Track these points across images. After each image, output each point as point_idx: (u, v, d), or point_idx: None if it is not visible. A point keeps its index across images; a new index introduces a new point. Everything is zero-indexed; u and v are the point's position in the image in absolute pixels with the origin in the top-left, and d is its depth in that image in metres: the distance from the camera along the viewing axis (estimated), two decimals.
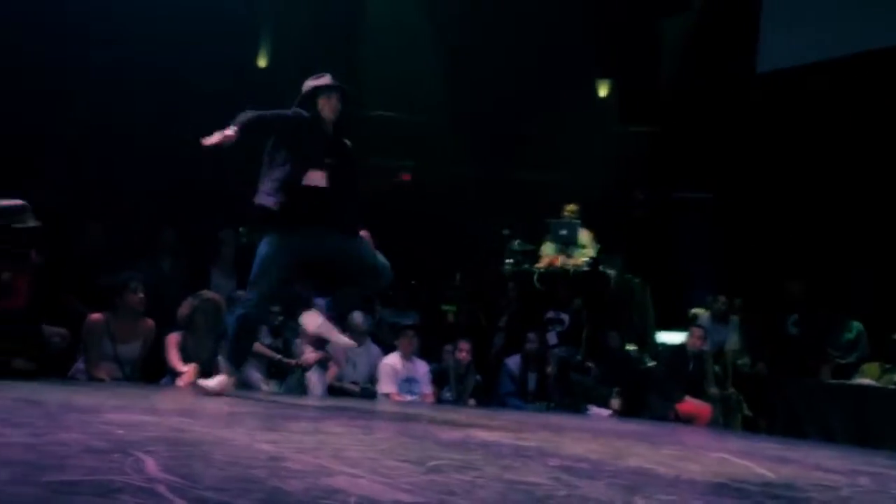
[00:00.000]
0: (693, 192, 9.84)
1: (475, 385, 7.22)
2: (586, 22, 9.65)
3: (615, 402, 6.99)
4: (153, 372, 5.75)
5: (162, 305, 5.97)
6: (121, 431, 2.24)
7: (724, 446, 4.35)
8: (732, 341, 7.88)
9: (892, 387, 6.49)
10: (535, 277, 7.97)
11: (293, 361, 5.98)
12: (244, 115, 4.11)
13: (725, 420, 7.11)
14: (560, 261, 7.93)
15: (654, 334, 8.34)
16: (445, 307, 9.18)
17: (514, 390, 7.20)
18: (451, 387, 7.06)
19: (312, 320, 4.43)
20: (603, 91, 10.56)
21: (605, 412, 6.94)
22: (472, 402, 7.04)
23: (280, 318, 6.05)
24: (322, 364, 6.13)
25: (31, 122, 7.60)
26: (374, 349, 6.94)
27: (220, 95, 7.66)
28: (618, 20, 9.79)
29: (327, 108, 4.32)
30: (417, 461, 2.24)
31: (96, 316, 5.47)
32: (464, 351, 7.03)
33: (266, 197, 4.22)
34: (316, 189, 4.23)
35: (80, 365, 5.51)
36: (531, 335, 7.32)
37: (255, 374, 5.84)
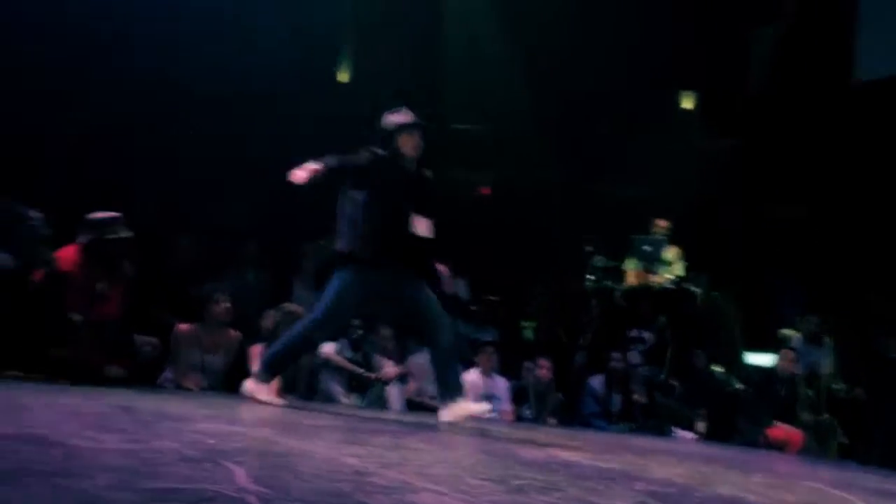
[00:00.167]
0: (783, 206, 9.53)
1: (556, 403, 7.15)
2: (670, 32, 9.50)
3: (701, 426, 6.83)
4: (237, 382, 5.89)
5: (246, 317, 6.14)
6: (211, 441, 2.30)
7: (818, 476, 4.17)
8: (826, 364, 7.58)
9: None
10: (618, 294, 7.86)
11: (373, 375, 6.05)
12: (327, 160, 4.16)
13: (819, 447, 6.83)
14: (644, 278, 7.81)
15: (742, 355, 8.11)
16: (525, 323, 9.14)
17: (598, 411, 7.10)
18: (530, 404, 7.02)
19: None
20: (687, 103, 10.35)
21: (690, 435, 6.79)
22: (552, 420, 6.98)
23: (360, 331, 6.13)
24: (402, 379, 6.18)
25: (121, 140, 7.92)
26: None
27: (300, 109, 7.85)
28: (703, 30, 9.61)
29: (409, 145, 4.31)
30: (499, 480, 2.23)
31: (184, 326, 5.67)
32: (544, 368, 6.98)
33: (345, 241, 4.25)
34: (396, 230, 4.24)
35: (168, 374, 5.71)
36: (615, 354, 7.22)
37: (337, 388, 5.93)
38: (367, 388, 6.07)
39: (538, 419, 6.90)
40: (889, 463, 6.03)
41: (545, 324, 8.94)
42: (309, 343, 4.49)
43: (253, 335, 5.97)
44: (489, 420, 6.21)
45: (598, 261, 8.17)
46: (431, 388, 6.73)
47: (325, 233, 8.98)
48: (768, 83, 9.60)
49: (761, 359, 7.97)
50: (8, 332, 4.39)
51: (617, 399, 7.16)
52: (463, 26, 9.76)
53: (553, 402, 7.11)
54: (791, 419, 6.82)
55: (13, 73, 6.99)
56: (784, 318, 8.40)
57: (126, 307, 5.14)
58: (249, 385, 4.46)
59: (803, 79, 9.21)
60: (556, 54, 9.59)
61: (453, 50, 9.74)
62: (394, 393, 6.07)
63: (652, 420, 7.09)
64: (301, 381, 6.00)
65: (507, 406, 6.77)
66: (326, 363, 5.97)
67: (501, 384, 6.83)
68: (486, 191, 10.72)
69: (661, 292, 7.74)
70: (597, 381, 7.23)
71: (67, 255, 4.79)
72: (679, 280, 7.75)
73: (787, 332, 8.03)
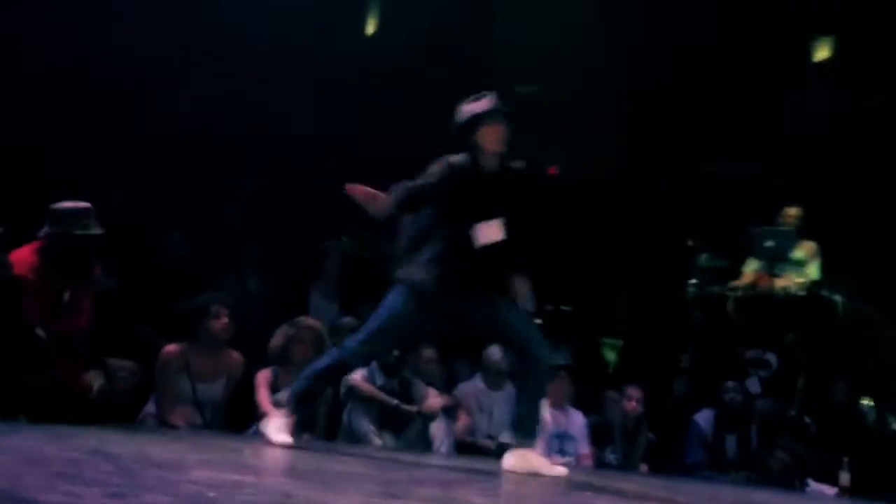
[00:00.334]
0: None
1: (647, 445, 7.11)
2: None
3: (844, 477, 6.72)
4: (239, 417, 5.97)
5: (248, 334, 6.20)
6: (212, 494, 2.30)
7: None
8: None
9: None
10: (732, 303, 7.78)
11: (414, 409, 6.06)
12: (397, 192, 4.37)
13: None
14: (766, 281, 7.72)
15: None
16: (607, 342, 9.10)
17: (706, 458, 7.03)
18: (615, 447, 6.99)
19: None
20: (822, 52, 10.15)
21: (829, 490, 6.71)
22: (643, 467, 6.94)
23: (395, 353, 6.14)
24: (449, 413, 6.18)
25: (109, 118, 8.09)
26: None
27: (323, 65, 7.93)
28: None
29: (491, 138, 4.40)
30: None
31: (172, 347, 5.73)
32: (633, 400, 6.95)
33: (412, 270, 4.43)
34: (466, 253, 4.38)
35: (150, 408, 5.79)
36: (730, 384, 7.14)
37: (366, 424, 5.95)
38: (404, 425, 6.08)
39: (626, 466, 6.86)
40: None
41: (633, 342, 8.89)
42: (348, 370, 4.72)
43: (258, 358, 6.02)
44: (562, 467, 6.19)
45: (704, 260, 8.11)
46: (487, 425, 6.75)
47: (349, 228, 9.16)
48: None
49: None
50: None
51: (731, 441, 7.08)
52: None
53: (644, 444, 7.06)
54: None
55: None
56: None
57: (96, 322, 5.21)
58: (271, 422, 4.63)
59: None
60: None
61: None
62: (439, 431, 6.08)
63: (778, 469, 6.99)
64: (320, 415, 6.03)
65: (584, 448, 6.75)
66: (353, 393, 5.99)
67: (577, 420, 6.80)
68: (553, 171, 10.67)
69: (789, 301, 7.63)
70: (704, 419, 7.16)
71: (23, 256, 4.86)
72: (813, 285, 7.64)
73: None
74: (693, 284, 8.13)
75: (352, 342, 4.55)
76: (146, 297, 6.61)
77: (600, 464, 6.80)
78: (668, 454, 7.31)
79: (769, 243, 7.76)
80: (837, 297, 7.65)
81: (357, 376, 6.04)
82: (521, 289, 4.51)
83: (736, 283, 7.97)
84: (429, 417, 6.05)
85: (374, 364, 6.16)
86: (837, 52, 10.09)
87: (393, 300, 4.46)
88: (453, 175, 4.39)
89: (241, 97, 8.69)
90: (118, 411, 5.13)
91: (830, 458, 6.88)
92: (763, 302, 7.71)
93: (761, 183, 9.18)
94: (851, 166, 9.28)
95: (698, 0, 9.26)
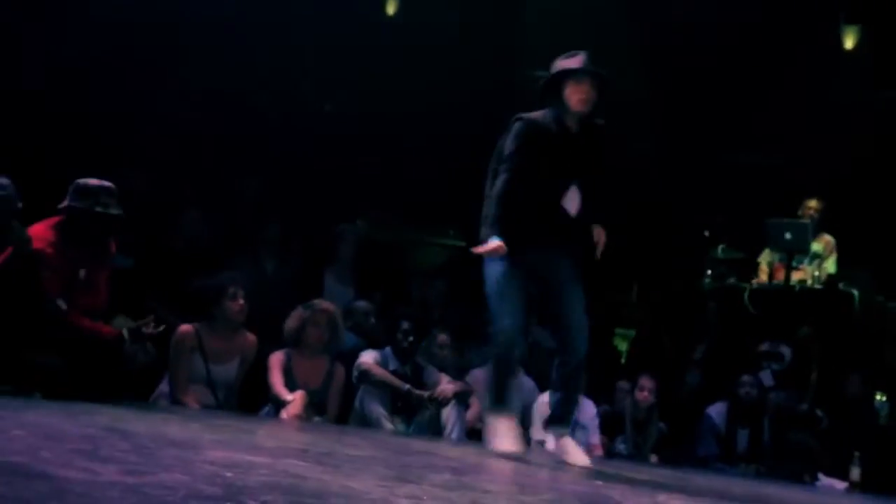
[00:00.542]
0: None
1: (658, 436, 7.10)
2: None
3: (855, 472, 6.72)
4: (252, 398, 6.00)
5: (263, 316, 6.22)
6: (229, 474, 2.33)
7: None
8: None
9: None
10: (747, 295, 7.77)
11: (426, 394, 6.07)
12: (492, 205, 4.39)
13: None
14: (782, 274, 7.69)
15: None
16: (620, 331, 9.10)
17: (719, 452, 7.02)
18: (626, 437, 6.99)
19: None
20: (850, 42, 10.05)
21: (840, 484, 6.71)
22: (653, 457, 6.93)
23: (410, 338, 6.16)
24: (462, 399, 6.19)
25: (125, 95, 8.11)
26: (528, 383, 6.93)
27: (340, 48, 7.91)
28: None
29: (576, 96, 4.42)
30: None
31: (186, 328, 5.76)
32: (645, 390, 6.93)
33: (496, 230, 4.39)
34: (554, 207, 4.44)
35: (164, 387, 5.82)
36: (745, 378, 7.12)
37: (378, 409, 5.97)
38: (416, 410, 6.09)
39: (637, 456, 6.86)
40: None
41: (646, 332, 8.88)
42: (511, 359, 4.55)
43: (272, 339, 6.05)
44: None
45: (719, 251, 8.08)
46: None
47: (363, 212, 9.18)
48: None
49: None
50: None
51: (743, 435, 7.07)
52: None
53: (655, 435, 7.06)
54: None
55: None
56: None
57: (111, 300, 5.25)
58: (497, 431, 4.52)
59: None
60: None
61: None
62: (451, 417, 6.09)
63: (789, 463, 6.99)
64: (332, 399, 6.05)
65: (595, 438, 6.74)
66: (365, 377, 6.01)
67: (588, 410, 6.79)
68: None
69: (805, 294, 7.64)
70: (716, 412, 7.14)
71: (40, 231, 4.89)
72: (830, 278, 7.62)
73: None
74: (709, 276, 8.12)
75: (498, 333, 4.46)
76: (161, 277, 6.63)
77: (610, 454, 6.79)
78: (679, 445, 7.30)
79: (787, 235, 7.74)
80: (854, 291, 7.65)
81: (370, 360, 6.05)
82: (598, 237, 4.58)
83: (752, 275, 7.96)
84: (441, 403, 6.06)
85: (388, 349, 6.17)
86: (863, 43, 10.01)
87: (490, 268, 4.44)
88: (534, 132, 4.43)
89: (261, 75, 8.69)
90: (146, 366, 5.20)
91: (842, 452, 6.88)
92: (779, 294, 7.71)
93: (781, 174, 9.13)
94: (876, 160, 9.24)
95: None
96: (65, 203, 4.93)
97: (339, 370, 6.09)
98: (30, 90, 7.51)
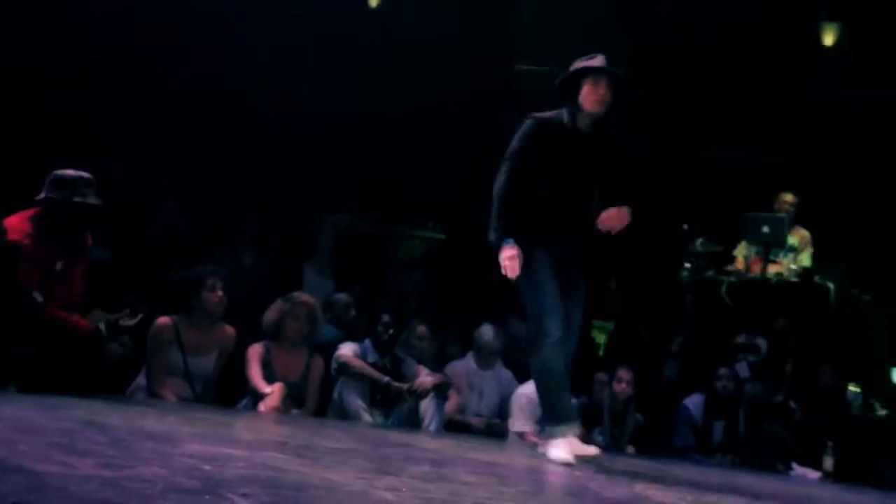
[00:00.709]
0: None
1: (636, 427, 7.13)
2: None
3: (827, 462, 6.76)
4: (230, 391, 5.98)
5: (242, 309, 6.20)
6: (207, 467, 2.33)
7: None
8: None
9: None
10: (724, 288, 7.80)
11: (405, 386, 6.07)
12: (495, 207, 4.38)
13: None
14: (759, 267, 7.73)
15: (889, 372, 8.00)
16: (598, 324, 9.11)
17: (695, 443, 7.06)
18: (604, 428, 7.01)
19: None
20: (829, 39, 10.10)
21: (813, 474, 6.74)
22: (631, 448, 6.96)
23: (390, 330, 6.15)
24: (441, 391, 6.19)
25: (105, 87, 8.05)
26: (506, 374, 6.96)
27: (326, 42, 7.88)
28: None
29: (591, 97, 4.43)
30: None
31: (164, 320, 5.72)
32: (623, 382, 6.95)
33: (498, 233, 4.40)
34: (564, 207, 4.46)
35: (141, 380, 5.78)
36: (722, 370, 7.15)
37: (357, 401, 5.96)
38: (394, 403, 6.09)
39: (614, 447, 6.88)
40: None
41: (624, 325, 8.90)
42: (555, 358, 4.40)
43: (250, 332, 6.03)
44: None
45: (698, 244, 8.11)
46: (476, 404, 6.78)
47: (343, 204, 9.14)
48: None
49: None
50: None
51: (719, 426, 7.11)
52: None
53: (632, 426, 7.09)
54: None
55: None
56: None
57: (88, 293, 5.21)
58: (552, 449, 4.34)
59: None
60: None
61: None
62: (430, 409, 6.09)
63: (763, 453, 7.03)
64: (310, 391, 6.04)
65: (520, 425, 6.73)
66: (344, 369, 6.00)
67: (520, 396, 6.78)
68: None
69: (782, 287, 7.66)
70: (693, 404, 7.18)
71: (17, 223, 4.85)
72: (806, 271, 7.66)
73: None
74: (687, 269, 8.14)
75: (539, 336, 4.39)
76: (139, 269, 6.59)
77: (587, 442, 6.81)
78: (656, 437, 7.33)
79: (765, 229, 7.78)
80: (830, 284, 7.69)
81: (349, 352, 6.04)
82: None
83: (729, 267, 7.99)
84: (420, 395, 6.06)
85: (367, 341, 6.16)
86: (843, 39, 10.07)
87: (525, 269, 4.37)
88: (543, 132, 4.45)
89: (241, 68, 8.66)
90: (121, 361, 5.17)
91: (815, 442, 6.92)
92: (755, 287, 7.74)
93: (760, 169, 9.16)
94: (853, 156, 9.30)
95: None
96: (42, 194, 4.89)
97: (318, 362, 6.07)
98: (4, 80, 7.43)
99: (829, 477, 6.69)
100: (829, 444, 6.81)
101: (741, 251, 8.03)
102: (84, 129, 7.52)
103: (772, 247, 7.78)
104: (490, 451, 4.56)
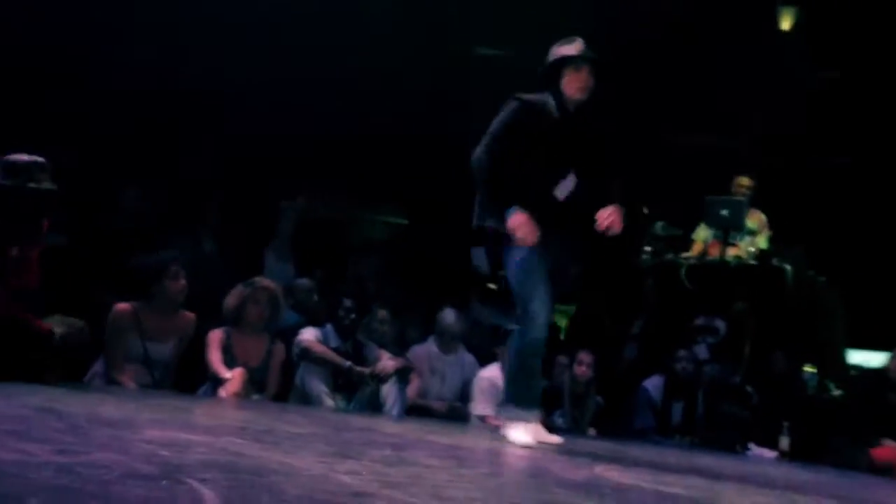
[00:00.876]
0: None
1: (596, 409, 7.19)
2: None
3: (784, 442, 6.87)
4: (189, 377, 5.95)
5: (203, 295, 6.16)
6: (165, 453, 2.32)
7: None
8: None
9: None
10: (684, 271, 7.87)
11: (367, 371, 6.07)
12: (487, 188, 4.29)
13: None
14: (718, 250, 7.80)
15: (844, 354, 8.11)
16: (559, 307, 9.14)
17: (655, 424, 7.13)
18: (564, 411, 7.06)
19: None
20: (787, 23, 10.19)
21: (769, 454, 6.85)
22: (591, 430, 7.02)
23: (352, 315, 6.15)
24: (403, 375, 6.20)
25: (64, 71, 7.93)
26: (468, 358, 6.99)
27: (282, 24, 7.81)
28: None
29: (573, 84, 4.41)
30: None
31: (124, 306, 5.67)
32: (584, 364, 7.01)
33: (493, 210, 4.35)
34: (550, 194, 4.36)
35: (99, 367, 5.73)
36: (682, 353, 7.22)
37: (318, 386, 5.96)
38: (356, 387, 6.09)
39: (575, 430, 6.93)
40: None
41: (585, 308, 8.94)
42: (536, 348, 4.37)
43: (211, 318, 6.00)
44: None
45: (658, 228, 8.15)
46: (438, 387, 6.80)
47: (305, 188, 9.10)
48: None
49: (869, 358, 7.97)
50: None
51: (678, 408, 7.18)
52: None
53: (593, 408, 7.15)
54: None
55: None
56: None
57: (44, 279, 5.14)
58: (514, 431, 4.34)
59: None
60: None
61: None
62: (391, 393, 6.10)
63: (721, 434, 7.12)
64: (271, 376, 6.03)
65: (481, 408, 6.77)
66: (306, 354, 5.99)
67: (482, 380, 6.82)
68: None
69: (740, 270, 7.73)
70: (653, 386, 7.25)
71: None
72: (764, 254, 7.73)
73: None
74: (647, 252, 8.19)
75: (525, 319, 4.32)
76: (97, 254, 6.53)
77: (549, 428, 6.84)
78: (617, 418, 7.39)
79: (724, 212, 7.83)
80: (788, 267, 7.77)
81: (310, 337, 6.03)
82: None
83: (686, 254, 8.05)
84: (381, 380, 6.06)
85: (329, 326, 6.16)
86: (799, 24, 10.16)
87: (513, 259, 4.34)
88: (529, 115, 4.38)
89: (199, 51, 8.57)
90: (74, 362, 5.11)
91: (772, 423, 7.02)
92: (714, 270, 7.80)
93: (719, 152, 9.23)
94: (810, 140, 9.39)
95: None
96: None
97: (279, 347, 6.06)
98: None
99: (786, 456, 6.80)
100: (786, 424, 6.92)
101: (699, 234, 8.09)
102: (39, 114, 7.41)
103: (730, 230, 7.84)
104: (451, 435, 4.58)
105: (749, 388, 7.39)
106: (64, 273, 5.78)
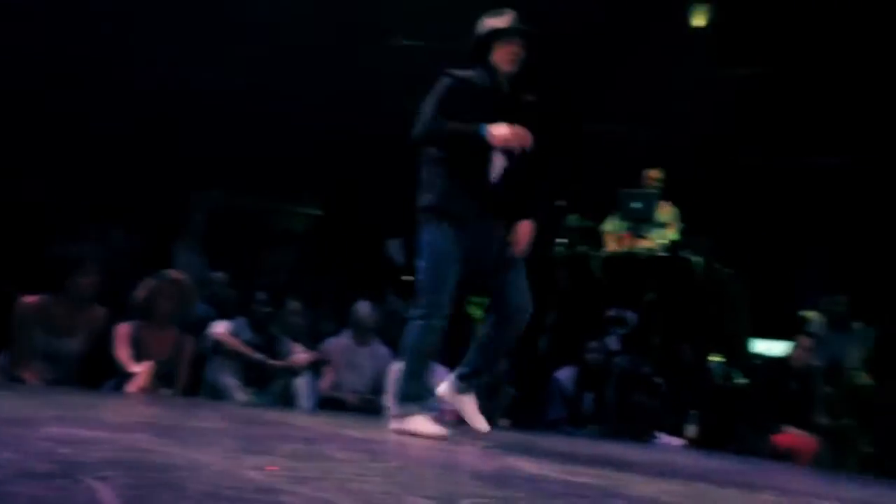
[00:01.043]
0: (814, 156, 9.66)
1: (510, 401, 7.23)
2: None
3: (691, 430, 7.00)
4: (97, 372, 5.81)
5: (111, 288, 6.04)
6: (65, 450, 2.26)
7: (837, 494, 4.32)
8: (853, 355, 7.81)
9: None
10: (595, 263, 7.94)
11: (279, 364, 6.02)
12: (423, 120, 4.15)
13: (836, 458, 7.08)
14: (629, 242, 7.90)
15: (748, 343, 8.28)
16: (474, 299, 9.16)
17: (567, 415, 7.20)
18: (477, 402, 7.08)
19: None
20: (698, 20, 10.36)
21: (677, 442, 6.97)
22: (504, 422, 7.06)
23: (266, 308, 6.09)
24: (315, 368, 6.17)
25: None
26: (382, 350, 6.97)
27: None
28: None
29: (505, 57, 4.31)
30: (447, 499, 2.25)
31: (31, 299, 5.52)
32: None
33: (426, 193, 4.23)
34: (483, 174, 4.22)
35: (2, 361, 5.58)
36: (593, 344, 7.30)
37: (229, 379, 5.90)
38: (268, 381, 6.04)
39: (487, 420, 6.95)
40: None
41: None
42: (433, 341, 4.25)
43: (120, 312, 5.88)
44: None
45: (571, 220, 8.21)
46: (353, 380, 6.77)
47: (217, 180, 8.98)
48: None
49: (772, 347, 8.16)
50: None
51: (589, 398, 7.27)
52: None
53: (506, 399, 7.18)
54: (804, 423, 7.03)
55: None
56: (805, 296, 8.59)
57: None
58: (416, 424, 4.26)
59: None
60: None
61: None
62: (303, 386, 6.07)
63: (631, 423, 7.23)
64: (181, 371, 5.93)
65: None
66: (217, 347, 5.92)
67: (442, 376, 6.84)
68: None
69: (650, 261, 7.82)
70: (565, 376, 7.32)
71: None
72: (673, 246, 7.83)
73: (808, 314, 8.21)
74: (561, 244, 8.25)
75: (422, 307, 4.19)
76: (4, 245, 6.35)
77: (463, 420, 6.86)
78: (530, 410, 7.45)
79: (636, 205, 7.93)
80: (696, 258, 7.89)
81: (222, 330, 5.96)
82: (522, 233, 4.36)
83: (601, 244, 8.13)
84: (294, 373, 6.02)
85: (241, 319, 6.09)
86: (713, 21, 10.33)
87: (426, 239, 4.20)
88: (463, 90, 4.26)
89: (106, 40, 8.39)
90: None
91: (680, 412, 7.16)
92: (625, 262, 7.89)
93: (631, 145, 9.34)
94: (718, 134, 9.56)
95: None
96: None
97: (189, 341, 5.96)
98: None
99: (694, 444, 6.93)
100: (693, 412, 7.06)
101: (609, 227, 8.18)
102: None
103: (642, 222, 7.95)
104: (364, 428, 4.56)
105: (658, 379, 7.51)
106: None
